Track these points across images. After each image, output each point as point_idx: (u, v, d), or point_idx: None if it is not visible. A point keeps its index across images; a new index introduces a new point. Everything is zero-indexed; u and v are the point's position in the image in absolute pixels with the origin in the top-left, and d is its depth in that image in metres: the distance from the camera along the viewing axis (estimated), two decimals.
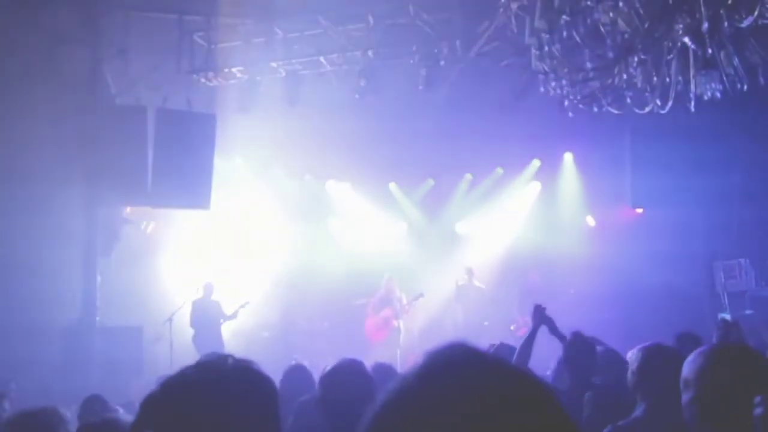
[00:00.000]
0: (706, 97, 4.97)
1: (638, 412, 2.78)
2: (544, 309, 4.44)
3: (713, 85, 4.85)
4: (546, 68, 5.08)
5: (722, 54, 5.08)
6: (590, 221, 12.30)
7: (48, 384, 7.34)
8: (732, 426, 1.95)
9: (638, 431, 2.71)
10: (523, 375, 0.84)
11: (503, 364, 0.85)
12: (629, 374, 2.93)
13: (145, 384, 7.70)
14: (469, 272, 11.55)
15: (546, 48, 4.89)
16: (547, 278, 11.34)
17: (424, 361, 0.84)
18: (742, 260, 10.36)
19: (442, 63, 8.82)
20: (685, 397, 2.06)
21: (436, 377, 0.82)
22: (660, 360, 2.89)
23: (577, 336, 4.01)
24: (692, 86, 5.11)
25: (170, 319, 9.78)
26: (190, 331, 9.91)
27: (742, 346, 2.16)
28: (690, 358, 2.10)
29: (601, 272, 10.91)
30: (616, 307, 10.54)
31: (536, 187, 12.57)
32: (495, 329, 10.59)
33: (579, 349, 3.84)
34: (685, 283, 10.65)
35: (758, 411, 1.52)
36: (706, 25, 4.19)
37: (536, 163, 12.50)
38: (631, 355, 3.00)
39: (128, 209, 9.95)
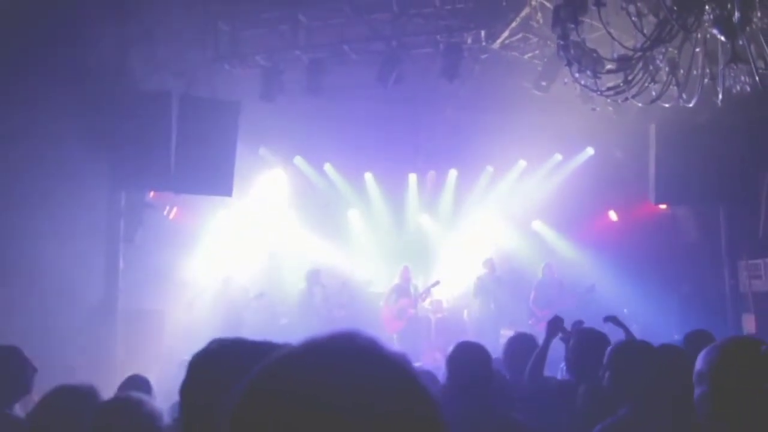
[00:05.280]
0: (734, 91, 4.87)
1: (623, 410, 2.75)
2: (562, 321, 4.35)
3: (743, 78, 4.75)
4: (571, 59, 5.02)
5: (753, 47, 4.98)
6: (613, 216, 12.18)
7: (72, 366, 7.46)
8: (745, 420, 1.92)
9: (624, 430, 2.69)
10: (395, 365, 0.84)
11: (383, 356, 0.85)
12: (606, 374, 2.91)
13: (168, 368, 7.83)
14: (490, 264, 11.44)
15: (571, 38, 4.85)
16: (566, 273, 11.27)
17: (305, 343, 0.86)
18: (767, 259, 10.17)
19: (466, 54, 8.76)
20: (698, 390, 2.04)
21: (308, 358, 0.84)
22: (632, 357, 2.87)
23: (582, 330, 3.97)
24: (720, 80, 5.01)
25: (191, 304, 9.93)
26: (212, 316, 10.00)
27: (757, 340, 2.13)
28: (704, 351, 2.08)
29: (622, 269, 10.80)
30: (636, 304, 10.44)
31: (558, 180, 12.48)
32: (518, 322, 10.52)
33: (583, 344, 3.79)
34: (709, 282, 10.50)
35: None
36: (737, 16, 4.10)
37: (558, 157, 12.41)
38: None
39: (152, 194, 10.05)
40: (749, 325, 9.69)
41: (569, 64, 5.17)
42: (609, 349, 2.94)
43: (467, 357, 3.05)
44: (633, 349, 2.93)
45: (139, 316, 9.40)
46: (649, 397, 2.68)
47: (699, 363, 2.08)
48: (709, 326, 5.05)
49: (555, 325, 4.27)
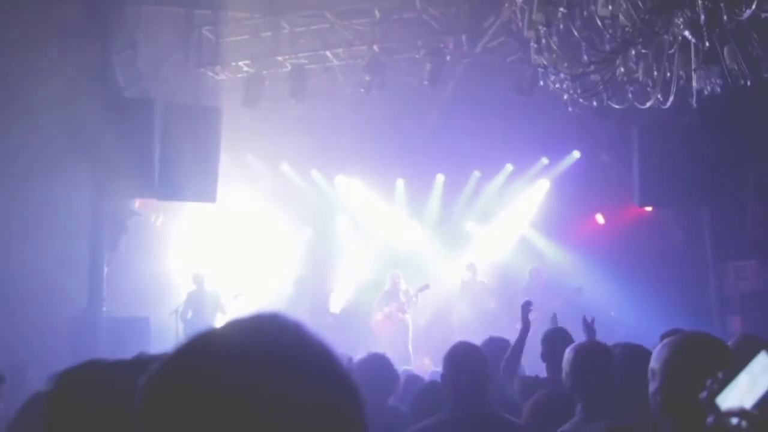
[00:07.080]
0: (706, 92, 4.91)
1: (576, 414, 2.78)
2: (530, 305, 4.45)
3: (713, 80, 4.78)
4: (545, 62, 5.05)
5: (726, 49, 5.02)
6: (600, 219, 12.22)
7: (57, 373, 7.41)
8: (696, 416, 1.93)
9: None
10: (316, 354, 0.83)
11: (305, 343, 0.84)
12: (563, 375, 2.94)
13: None
14: (472, 268, 11.59)
15: (543, 41, 4.87)
16: (553, 276, 11.28)
17: (224, 327, 0.87)
18: (753, 261, 10.20)
19: (447, 58, 8.80)
20: (652, 386, 2.05)
21: (225, 343, 0.84)
22: (590, 358, 2.90)
23: (555, 330, 4.02)
24: (693, 81, 5.05)
25: (177, 311, 9.89)
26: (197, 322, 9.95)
27: (709, 336, 2.14)
28: (657, 348, 2.09)
29: (609, 271, 10.82)
30: (623, 306, 10.46)
31: (544, 184, 12.52)
32: (503, 326, 10.52)
33: (556, 343, 3.82)
34: (694, 284, 10.53)
35: (703, 394, 1.51)
36: (703, 18, 4.14)
37: (544, 160, 12.46)
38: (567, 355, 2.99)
39: (138, 202, 10.02)
40: (735, 327, 9.72)
41: (544, 68, 5.19)
42: (567, 349, 2.96)
43: (464, 357, 3.10)
44: (585, 349, 2.94)
45: (124, 323, 9.34)
46: (601, 398, 2.69)
47: (652, 360, 2.10)
48: (696, 328, 5.03)
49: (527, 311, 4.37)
